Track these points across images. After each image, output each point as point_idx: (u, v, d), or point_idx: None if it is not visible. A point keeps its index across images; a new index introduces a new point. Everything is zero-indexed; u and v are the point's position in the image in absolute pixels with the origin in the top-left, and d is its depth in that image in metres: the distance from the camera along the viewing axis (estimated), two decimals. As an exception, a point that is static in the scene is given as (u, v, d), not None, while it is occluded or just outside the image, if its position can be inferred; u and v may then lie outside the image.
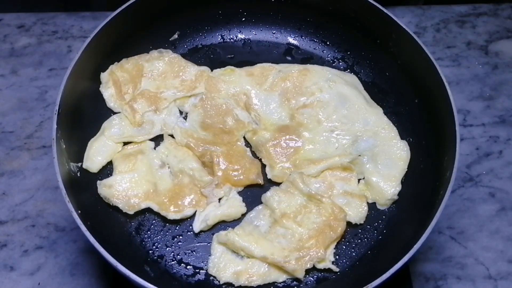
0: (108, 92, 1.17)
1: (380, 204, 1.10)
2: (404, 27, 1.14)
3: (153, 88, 1.17)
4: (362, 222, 1.07)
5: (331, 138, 1.14)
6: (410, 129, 1.16)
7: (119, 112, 1.16)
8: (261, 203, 1.08)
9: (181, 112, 1.18)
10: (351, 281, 1.02)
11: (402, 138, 1.17)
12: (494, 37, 1.54)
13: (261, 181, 1.11)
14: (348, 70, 1.27)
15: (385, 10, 1.17)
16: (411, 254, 0.92)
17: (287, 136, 1.14)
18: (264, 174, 1.12)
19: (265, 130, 1.15)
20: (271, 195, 1.06)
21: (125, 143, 1.13)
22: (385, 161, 1.11)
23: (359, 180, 1.12)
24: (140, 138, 1.13)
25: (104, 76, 1.17)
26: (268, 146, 1.13)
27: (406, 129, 1.17)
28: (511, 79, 1.47)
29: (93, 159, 1.09)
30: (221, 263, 1.02)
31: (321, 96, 1.17)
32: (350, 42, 1.28)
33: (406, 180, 1.12)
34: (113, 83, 1.16)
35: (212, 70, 1.22)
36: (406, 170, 1.11)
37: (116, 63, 1.19)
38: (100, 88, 1.17)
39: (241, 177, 1.10)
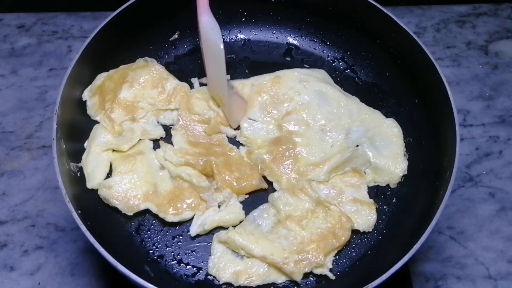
0: (92, 101, 1.13)
1: (393, 183, 1.11)
2: (404, 27, 1.14)
3: (130, 97, 1.16)
4: (370, 230, 1.07)
5: (325, 137, 1.14)
6: (410, 129, 1.16)
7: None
8: (262, 207, 1.08)
9: (158, 122, 1.17)
10: (351, 281, 1.01)
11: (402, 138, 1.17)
12: (494, 37, 1.54)
13: (265, 186, 1.10)
14: (348, 70, 1.27)
15: (385, 10, 1.17)
16: (411, 254, 0.92)
17: (282, 147, 1.13)
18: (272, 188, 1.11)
19: (260, 149, 1.14)
20: (278, 196, 1.06)
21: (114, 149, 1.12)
22: (382, 142, 1.13)
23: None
24: (125, 147, 1.11)
25: (93, 87, 1.14)
26: (267, 163, 1.12)
27: (406, 129, 1.17)
28: (511, 79, 1.47)
29: (94, 176, 1.07)
30: (221, 263, 1.02)
31: (300, 99, 1.17)
32: (350, 42, 1.28)
33: (406, 180, 1.12)
34: (99, 93, 1.14)
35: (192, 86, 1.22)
36: (404, 143, 1.13)
37: (105, 73, 1.16)
38: (83, 95, 1.13)
39: (244, 183, 1.09)
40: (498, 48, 1.52)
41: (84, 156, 1.09)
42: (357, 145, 1.13)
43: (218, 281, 1.02)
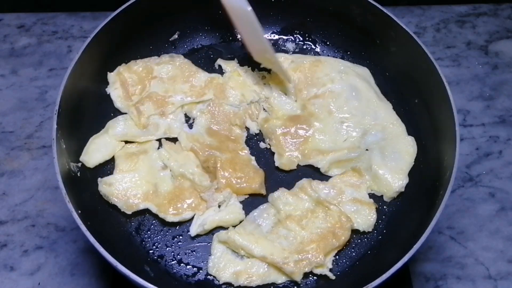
0: (115, 93, 1.17)
1: (387, 196, 1.10)
2: (404, 27, 1.14)
3: (161, 91, 1.17)
4: (370, 230, 1.06)
5: (341, 129, 1.15)
6: (410, 129, 1.16)
7: (125, 113, 1.16)
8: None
9: (187, 119, 1.18)
10: (351, 281, 1.01)
11: (402, 137, 1.17)
12: (494, 37, 1.54)
13: (263, 192, 1.10)
14: (348, 70, 1.27)
15: (385, 10, 1.17)
16: (411, 254, 0.92)
17: (298, 125, 1.15)
18: (267, 183, 1.11)
19: (277, 119, 1.16)
20: (278, 196, 1.06)
21: (127, 142, 1.13)
22: (392, 155, 1.11)
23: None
24: (142, 138, 1.13)
25: (111, 76, 1.17)
26: (278, 134, 1.14)
27: (406, 129, 1.16)
28: (511, 79, 1.47)
29: (91, 155, 1.09)
30: (221, 263, 1.02)
31: (332, 87, 1.18)
32: (350, 42, 1.28)
33: (406, 180, 1.12)
34: (121, 84, 1.16)
35: (218, 73, 1.23)
36: (413, 164, 1.11)
37: (123, 64, 1.19)
38: (106, 89, 1.17)
39: (244, 185, 1.09)
40: (498, 48, 1.52)
41: (94, 136, 1.10)
42: (367, 149, 1.12)
43: (218, 281, 1.02)
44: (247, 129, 1.18)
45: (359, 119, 1.15)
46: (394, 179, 1.09)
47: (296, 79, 1.19)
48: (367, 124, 1.15)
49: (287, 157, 1.12)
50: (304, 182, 1.07)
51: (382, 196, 1.11)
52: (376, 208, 1.08)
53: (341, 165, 1.12)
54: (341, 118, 1.15)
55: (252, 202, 1.09)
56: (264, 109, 1.19)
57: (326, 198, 1.07)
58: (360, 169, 1.11)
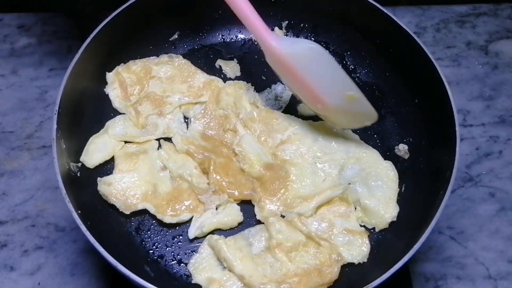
0: (114, 93, 1.17)
1: (379, 227, 1.07)
2: (404, 27, 1.14)
3: (159, 91, 1.17)
4: (365, 260, 1.04)
5: (317, 170, 1.11)
6: (410, 129, 1.16)
7: (124, 113, 1.16)
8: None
9: (186, 118, 1.18)
10: (351, 281, 1.01)
11: (402, 138, 1.17)
12: (494, 37, 1.54)
13: (257, 198, 1.08)
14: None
15: (385, 10, 1.17)
16: (411, 254, 0.92)
17: (275, 174, 1.09)
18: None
19: (251, 168, 1.10)
20: (273, 222, 1.02)
21: (126, 141, 1.13)
22: (376, 183, 1.09)
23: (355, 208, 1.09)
24: (142, 138, 1.12)
25: (109, 76, 1.17)
26: (255, 186, 1.09)
27: (406, 129, 1.17)
28: (511, 79, 1.47)
29: (92, 155, 1.09)
30: (202, 264, 1.01)
31: (295, 129, 1.14)
32: (350, 42, 1.28)
33: (406, 181, 1.12)
34: (119, 84, 1.17)
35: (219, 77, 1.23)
36: (398, 190, 1.10)
37: (122, 64, 1.19)
38: (105, 89, 1.17)
39: (235, 192, 1.08)
40: (498, 48, 1.52)
41: (93, 136, 1.10)
42: (349, 183, 1.09)
43: (191, 279, 1.01)
44: None
45: (332, 156, 1.11)
46: (385, 211, 1.07)
47: (258, 130, 1.14)
48: (341, 159, 1.11)
49: (269, 210, 1.06)
50: (293, 215, 1.04)
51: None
52: (368, 236, 1.06)
53: (327, 203, 1.08)
54: (314, 159, 1.11)
55: (251, 203, 1.09)
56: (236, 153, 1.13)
57: (317, 232, 1.04)
58: (347, 198, 1.08)
